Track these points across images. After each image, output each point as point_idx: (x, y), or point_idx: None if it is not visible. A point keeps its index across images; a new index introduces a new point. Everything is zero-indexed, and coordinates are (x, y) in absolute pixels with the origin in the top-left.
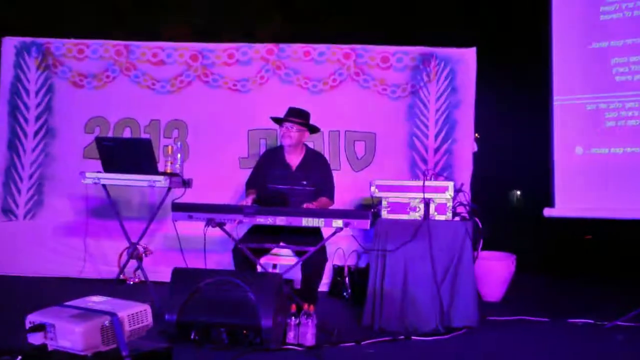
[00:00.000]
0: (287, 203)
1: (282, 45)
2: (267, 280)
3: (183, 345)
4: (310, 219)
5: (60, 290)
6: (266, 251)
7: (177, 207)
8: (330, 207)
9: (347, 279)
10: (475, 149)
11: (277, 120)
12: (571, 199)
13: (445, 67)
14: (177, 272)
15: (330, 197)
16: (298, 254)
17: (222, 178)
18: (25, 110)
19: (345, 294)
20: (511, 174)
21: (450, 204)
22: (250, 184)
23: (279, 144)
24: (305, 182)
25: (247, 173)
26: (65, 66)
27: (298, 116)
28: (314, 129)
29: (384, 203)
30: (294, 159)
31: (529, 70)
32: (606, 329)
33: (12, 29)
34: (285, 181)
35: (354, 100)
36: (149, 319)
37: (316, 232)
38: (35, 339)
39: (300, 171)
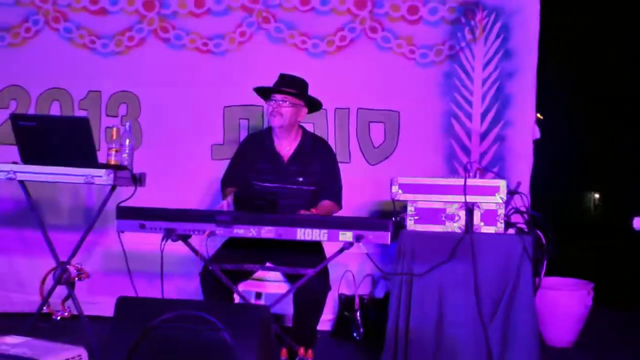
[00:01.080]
0: (277, 208)
1: None
2: (248, 315)
3: None
4: (308, 231)
5: None
6: (247, 275)
7: (125, 213)
8: (337, 214)
9: (358, 313)
10: (537, 135)
11: (262, 92)
12: None
13: (497, 20)
14: (123, 304)
15: (337, 200)
16: (291, 278)
17: (188, 173)
18: None
19: (355, 334)
20: (587, 170)
21: (502, 210)
22: (227, 182)
23: (265, 125)
24: (301, 179)
25: (222, 166)
26: None
27: (292, 86)
28: (313, 104)
29: (410, 209)
30: (285, 147)
31: (611, 27)
32: None
33: None
34: (274, 177)
35: (369, 67)
36: None
37: (316, 248)
38: None
39: (295, 163)
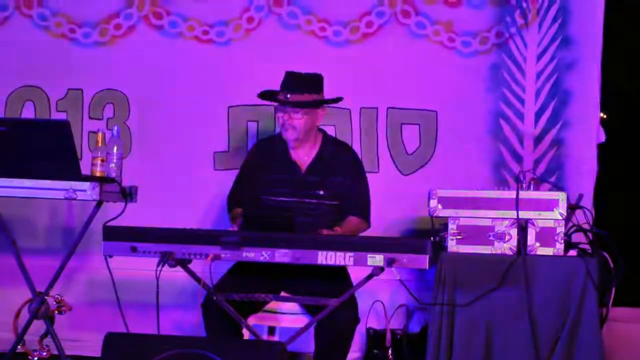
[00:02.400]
0: (293, 227)
1: None
2: (259, 354)
3: None
4: (330, 254)
5: None
6: (258, 306)
7: (113, 234)
8: (364, 234)
9: (390, 351)
10: (602, 138)
11: (268, 97)
12: None
13: (553, 1)
14: (112, 341)
15: (364, 216)
16: (310, 310)
17: (187, 186)
18: None
19: None
20: None
21: (561, 228)
22: (234, 200)
23: (278, 128)
24: (322, 192)
25: (227, 177)
26: None
27: (303, 88)
28: (334, 100)
29: (451, 227)
30: (303, 154)
31: None
32: None
33: None
34: (290, 190)
35: (401, 58)
36: None
37: (340, 274)
38: None
39: (314, 174)
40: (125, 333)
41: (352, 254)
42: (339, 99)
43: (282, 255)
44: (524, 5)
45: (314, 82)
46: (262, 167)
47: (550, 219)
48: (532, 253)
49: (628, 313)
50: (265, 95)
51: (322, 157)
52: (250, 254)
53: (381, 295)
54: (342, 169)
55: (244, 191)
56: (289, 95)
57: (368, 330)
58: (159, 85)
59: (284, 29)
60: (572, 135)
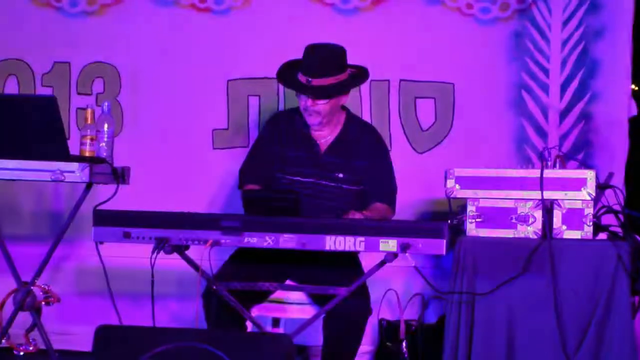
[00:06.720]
0: (299, 209)
1: None
2: (263, 347)
3: None
4: (339, 239)
5: None
6: (262, 296)
7: (104, 219)
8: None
9: (404, 344)
10: (634, 111)
11: (288, 78)
12: None
13: None
14: (104, 334)
15: (391, 203)
16: (318, 300)
17: (183, 167)
18: None
19: None
20: None
21: (589, 210)
22: (248, 174)
23: (282, 104)
24: (341, 175)
25: (224, 156)
26: None
27: (328, 71)
28: (360, 79)
29: (470, 209)
30: (324, 133)
31: None
32: None
33: None
34: (308, 170)
35: (414, 26)
36: None
37: (350, 261)
38: None
39: (335, 155)
40: (118, 326)
41: (363, 238)
42: (364, 74)
43: (287, 241)
44: None
45: (337, 61)
46: (278, 143)
47: (577, 199)
48: (558, 236)
49: None
50: (285, 74)
51: (344, 138)
52: (252, 240)
53: (394, 284)
54: (365, 153)
55: (257, 169)
56: (311, 80)
57: (380, 321)
58: (152, 58)
59: None
60: (601, 108)
